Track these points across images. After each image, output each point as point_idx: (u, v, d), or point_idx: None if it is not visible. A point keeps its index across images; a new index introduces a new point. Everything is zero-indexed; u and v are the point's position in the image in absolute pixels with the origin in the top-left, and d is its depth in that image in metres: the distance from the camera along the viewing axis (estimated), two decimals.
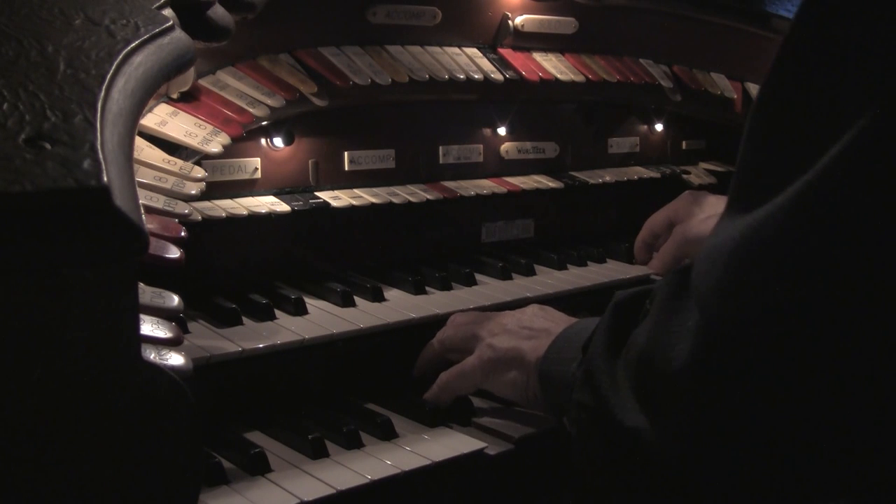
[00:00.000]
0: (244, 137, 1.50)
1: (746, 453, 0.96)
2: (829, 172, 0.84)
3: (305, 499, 1.16)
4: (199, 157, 1.39)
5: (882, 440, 0.92)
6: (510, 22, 1.90)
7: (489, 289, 1.69)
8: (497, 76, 1.82)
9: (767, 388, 0.92)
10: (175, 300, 1.04)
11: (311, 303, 1.52)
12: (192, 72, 1.32)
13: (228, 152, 1.47)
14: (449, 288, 1.67)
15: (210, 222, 1.47)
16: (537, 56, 1.94)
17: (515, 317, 1.45)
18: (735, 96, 2.22)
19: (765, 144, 0.94)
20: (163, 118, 1.38)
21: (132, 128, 0.97)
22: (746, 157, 0.96)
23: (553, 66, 1.94)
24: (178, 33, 1.16)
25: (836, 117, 0.85)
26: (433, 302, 1.59)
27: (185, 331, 1.35)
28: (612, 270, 1.88)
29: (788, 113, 0.91)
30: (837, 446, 0.93)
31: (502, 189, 1.89)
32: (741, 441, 0.96)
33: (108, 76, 0.96)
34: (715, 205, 1.77)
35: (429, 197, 1.76)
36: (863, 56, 0.86)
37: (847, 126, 0.83)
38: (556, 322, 1.40)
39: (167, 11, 1.20)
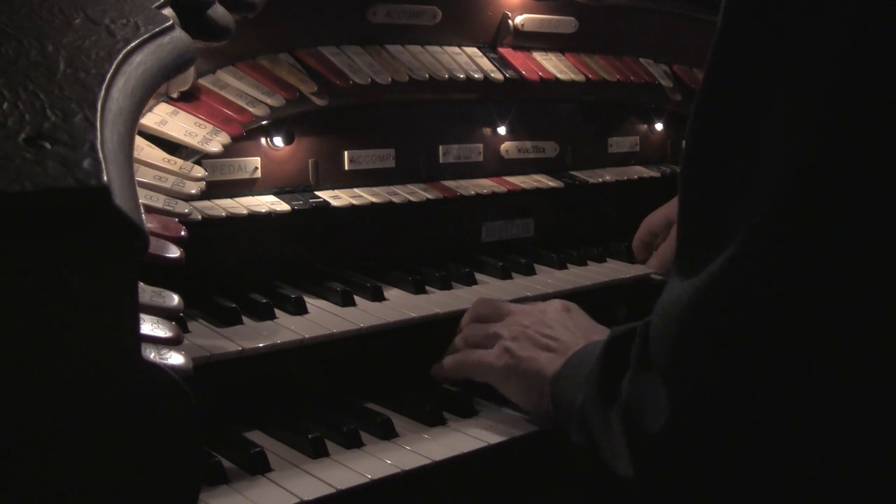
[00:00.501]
0: (244, 137, 1.50)
1: None
2: (750, 242, 0.89)
3: (305, 498, 1.16)
4: (199, 157, 1.39)
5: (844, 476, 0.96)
6: (510, 21, 1.90)
7: (489, 288, 1.69)
8: (497, 76, 1.82)
9: (734, 444, 0.96)
10: (175, 299, 1.04)
11: (311, 302, 1.52)
12: (192, 71, 1.32)
13: (228, 152, 1.47)
14: (449, 287, 1.67)
15: (210, 222, 1.47)
16: (537, 55, 1.94)
17: (537, 317, 1.45)
18: None
19: (697, 205, 0.99)
20: (163, 117, 1.38)
21: (132, 127, 0.97)
22: (683, 214, 1.01)
23: (553, 65, 1.94)
24: (178, 33, 1.16)
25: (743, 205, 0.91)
26: (433, 301, 1.59)
27: (185, 330, 1.35)
28: (612, 270, 1.88)
29: (711, 177, 0.96)
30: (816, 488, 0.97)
31: (502, 188, 1.89)
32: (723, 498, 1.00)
33: (108, 75, 0.96)
34: None
35: (429, 196, 1.76)
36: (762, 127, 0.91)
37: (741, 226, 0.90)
38: (576, 333, 1.40)
39: (167, 11, 1.20)
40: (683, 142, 1.02)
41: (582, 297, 1.69)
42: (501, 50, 1.90)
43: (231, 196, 1.56)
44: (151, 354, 0.93)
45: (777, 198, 0.89)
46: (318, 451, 1.27)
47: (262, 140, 1.61)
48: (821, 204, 0.87)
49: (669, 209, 1.84)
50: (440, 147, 1.87)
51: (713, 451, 0.98)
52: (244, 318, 1.43)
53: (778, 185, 0.89)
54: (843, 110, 0.86)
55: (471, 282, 1.70)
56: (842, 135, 0.86)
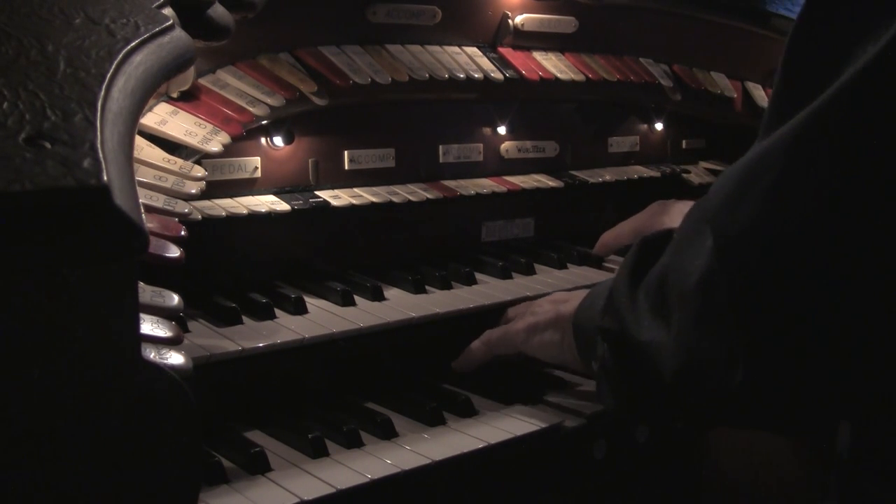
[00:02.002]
0: (244, 136, 1.50)
1: (753, 361, 1.03)
2: (828, 103, 0.95)
3: (305, 498, 1.16)
4: (200, 157, 1.39)
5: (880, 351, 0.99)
6: (510, 21, 1.90)
7: (489, 288, 1.69)
8: (497, 75, 1.82)
9: (770, 295, 1.00)
10: (175, 299, 1.04)
11: (311, 302, 1.52)
12: (192, 71, 1.32)
13: (228, 151, 1.47)
14: (449, 287, 1.67)
15: (210, 221, 1.47)
16: (537, 55, 1.94)
17: (556, 296, 1.57)
18: (735, 95, 2.22)
19: (785, 81, 1.06)
20: (163, 117, 1.38)
21: (132, 127, 0.97)
22: (774, 91, 1.08)
23: (553, 65, 1.94)
24: (179, 32, 1.16)
25: (846, 54, 0.97)
26: (433, 301, 1.59)
27: (185, 330, 1.35)
28: (612, 269, 1.87)
29: (806, 51, 1.03)
30: (837, 359, 1.01)
31: (502, 188, 1.89)
32: (751, 350, 1.03)
33: (109, 75, 0.96)
34: (680, 209, 1.75)
35: (429, 196, 1.76)
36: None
37: (850, 63, 0.95)
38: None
39: (167, 10, 1.19)
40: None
41: None
42: (501, 50, 1.90)
43: (231, 196, 1.56)
44: (151, 354, 0.93)
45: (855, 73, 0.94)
46: (318, 451, 1.27)
47: (262, 140, 1.61)
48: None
49: (638, 222, 1.81)
50: (440, 147, 1.87)
51: (748, 299, 1.01)
52: (244, 318, 1.43)
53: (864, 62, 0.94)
54: None
55: (471, 281, 1.70)
56: None
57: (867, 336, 0.99)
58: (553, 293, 1.59)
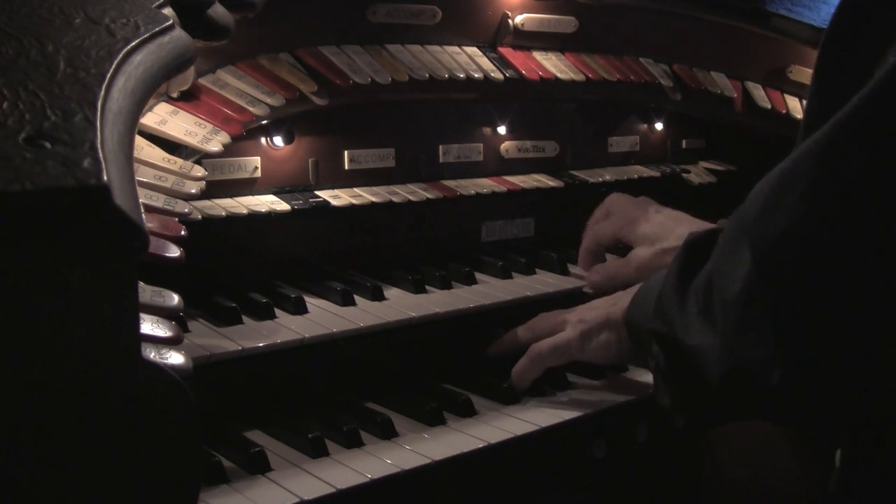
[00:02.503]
0: (244, 136, 1.50)
1: (790, 365, 1.05)
2: (856, 110, 0.97)
3: (305, 498, 1.16)
4: (200, 156, 1.39)
5: None
6: (510, 21, 1.90)
7: (489, 288, 1.69)
8: (497, 75, 1.82)
9: (804, 301, 1.03)
10: (175, 299, 1.04)
11: (311, 302, 1.52)
12: (192, 71, 1.32)
13: (228, 151, 1.47)
14: (449, 287, 1.67)
15: (210, 221, 1.47)
16: (537, 55, 1.94)
17: (600, 299, 1.56)
18: (735, 95, 2.22)
19: (818, 91, 1.09)
20: (163, 117, 1.38)
21: (132, 127, 0.97)
22: (808, 101, 1.11)
23: (553, 65, 1.94)
24: (178, 32, 1.16)
25: (875, 60, 0.99)
26: (433, 301, 1.59)
27: (185, 330, 1.35)
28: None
29: (837, 59, 1.06)
30: (870, 363, 1.03)
31: (502, 188, 1.89)
32: (788, 353, 1.05)
33: (108, 75, 0.95)
34: (660, 222, 1.71)
35: (429, 196, 1.76)
36: None
37: (879, 69, 0.97)
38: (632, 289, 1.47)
39: (167, 10, 1.20)
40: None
41: (583, 297, 1.69)
42: (501, 49, 1.90)
43: (231, 195, 1.56)
44: (151, 354, 0.93)
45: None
46: (318, 451, 1.27)
47: (262, 139, 1.61)
48: None
49: (617, 223, 1.78)
50: (440, 147, 1.87)
51: (784, 305, 1.04)
52: (244, 318, 1.43)
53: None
54: None
55: (471, 281, 1.70)
56: None
57: None
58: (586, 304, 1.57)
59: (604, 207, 1.80)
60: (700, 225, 1.63)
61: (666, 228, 1.69)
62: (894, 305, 1.00)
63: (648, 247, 1.68)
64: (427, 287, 1.64)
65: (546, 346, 1.51)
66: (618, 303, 1.48)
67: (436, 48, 1.80)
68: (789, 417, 1.24)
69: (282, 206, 1.57)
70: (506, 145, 1.96)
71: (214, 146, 1.39)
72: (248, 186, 1.59)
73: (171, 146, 1.36)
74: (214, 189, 1.51)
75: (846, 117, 0.98)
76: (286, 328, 1.41)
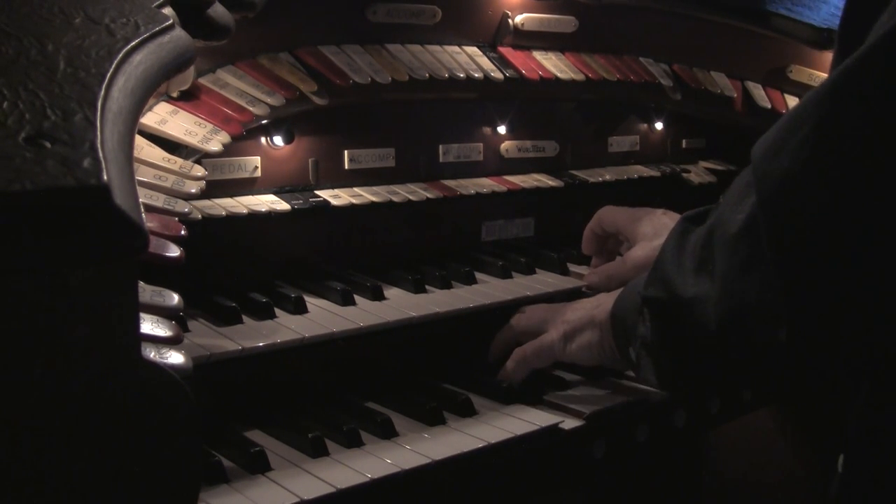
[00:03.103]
0: (244, 136, 1.50)
1: (795, 305, 1.06)
2: (863, 58, 0.98)
3: (305, 497, 1.16)
4: (200, 156, 1.39)
5: None
6: (510, 20, 1.90)
7: (489, 287, 1.69)
8: (497, 75, 1.82)
9: (808, 241, 1.04)
10: (175, 299, 1.04)
11: (311, 301, 1.52)
12: (192, 70, 1.32)
13: (228, 151, 1.47)
14: (449, 287, 1.67)
15: (210, 221, 1.47)
16: (537, 55, 1.94)
17: (584, 300, 1.58)
18: (735, 95, 2.22)
19: (840, 49, 1.10)
20: (163, 117, 1.38)
21: (132, 126, 0.97)
22: (833, 61, 1.13)
23: (553, 64, 1.94)
24: (178, 32, 1.16)
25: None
26: (433, 301, 1.59)
27: (185, 329, 1.35)
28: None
29: (857, 21, 1.07)
30: (878, 309, 1.04)
31: (502, 188, 1.89)
32: (793, 294, 1.06)
33: (108, 75, 0.96)
34: (665, 223, 1.68)
35: (429, 196, 1.76)
36: None
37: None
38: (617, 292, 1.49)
39: (167, 10, 1.20)
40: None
41: (583, 297, 1.69)
42: (501, 49, 1.90)
43: (231, 195, 1.56)
44: (151, 354, 0.93)
45: None
46: (318, 451, 1.27)
47: (262, 139, 1.61)
48: None
49: (623, 215, 1.76)
50: (440, 146, 1.87)
51: (788, 244, 1.05)
52: (244, 318, 1.43)
53: None
54: None
55: (471, 281, 1.70)
56: None
57: None
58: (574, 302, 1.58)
59: (596, 219, 1.80)
60: None
61: (668, 228, 1.69)
62: None
63: (647, 243, 1.68)
64: (427, 287, 1.64)
65: (529, 348, 1.53)
66: (601, 304, 1.49)
67: (436, 48, 1.80)
68: (792, 375, 1.24)
69: (282, 205, 1.57)
70: (506, 145, 1.96)
71: (214, 146, 1.39)
72: (248, 186, 1.59)
73: (172, 146, 1.36)
74: (214, 189, 1.51)
75: (854, 62, 0.99)
76: (286, 328, 1.41)
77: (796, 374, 1.20)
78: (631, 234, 1.72)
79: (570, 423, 1.42)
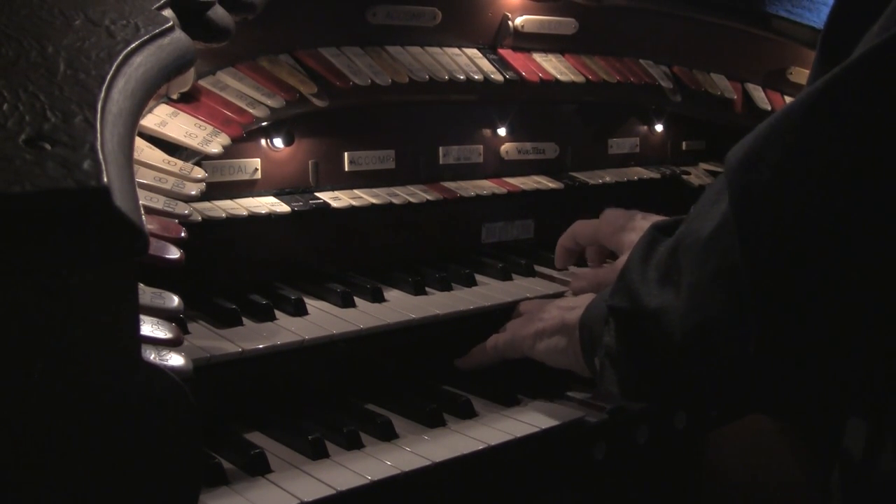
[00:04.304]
0: (244, 138, 1.50)
1: (766, 320, 1.03)
2: (846, 72, 0.96)
3: (305, 499, 1.16)
4: (199, 158, 1.39)
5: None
6: (510, 22, 1.90)
7: (489, 289, 1.69)
8: (497, 77, 1.82)
9: (784, 254, 1.01)
10: (175, 301, 1.04)
11: (311, 303, 1.52)
12: (192, 72, 1.32)
13: (228, 153, 1.47)
14: (449, 288, 1.67)
15: (210, 223, 1.47)
16: (537, 57, 1.94)
17: (568, 298, 1.58)
18: (735, 97, 2.22)
19: (821, 55, 1.09)
20: (163, 119, 1.38)
21: (132, 128, 0.98)
22: (812, 67, 1.12)
23: (553, 66, 1.94)
24: (178, 34, 1.16)
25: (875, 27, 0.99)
26: (433, 302, 1.59)
27: (185, 331, 1.35)
28: (612, 270, 1.87)
29: (842, 28, 1.07)
30: (853, 324, 1.01)
31: (502, 189, 1.89)
32: (763, 308, 1.03)
33: (108, 77, 0.96)
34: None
35: (429, 197, 1.76)
36: None
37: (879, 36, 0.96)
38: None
39: (167, 12, 1.20)
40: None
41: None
42: (501, 51, 1.90)
43: (231, 197, 1.56)
44: (151, 356, 0.93)
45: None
46: (317, 453, 1.27)
47: (262, 141, 1.61)
48: None
49: (602, 227, 1.73)
50: (440, 148, 1.87)
51: (762, 255, 1.02)
52: (244, 320, 1.43)
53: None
54: None
55: (471, 283, 1.70)
56: None
57: (883, 308, 0.99)
58: (562, 299, 1.58)
59: (570, 234, 1.77)
60: None
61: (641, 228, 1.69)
62: (879, 266, 0.98)
63: (621, 239, 1.67)
64: (427, 289, 1.64)
65: (504, 337, 1.54)
66: (574, 308, 1.47)
67: (436, 50, 1.80)
68: (758, 395, 1.18)
69: (282, 207, 1.57)
70: (506, 147, 1.96)
71: (214, 148, 1.39)
72: (248, 188, 1.60)
73: (171, 148, 1.36)
74: (214, 191, 1.51)
75: (841, 73, 0.97)
76: (286, 330, 1.41)
77: (764, 389, 1.13)
78: (617, 244, 1.68)
79: (570, 425, 1.42)
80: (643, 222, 1.66)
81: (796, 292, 1.01)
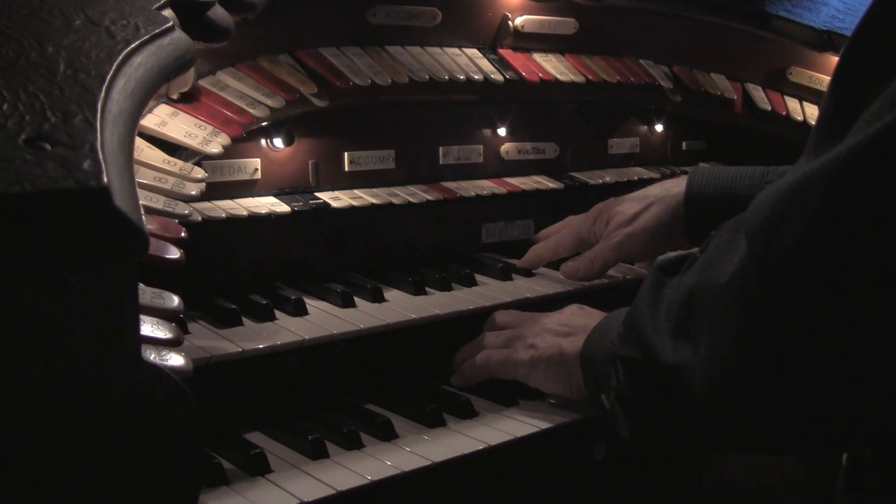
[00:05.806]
0: (244, 138, 1.50)
1: (792, 387, 1.03)
2: (875, 141, 0.94)
3: (305, 499, 1.16)
4: (199, 158, 1.39)
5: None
6: (510, 22, 1.90)
7: (489, 289, 1.69)
8: (497, 77, 1.82)
9: (811, 322, 1.00)
10: (175, 301, 1.04)
11: (311, 303, 1.52)
12: (192, 72, 1.32)
13: (228, 153, 1.47)
14: (449, 288, 1.67)
15: (210, 223, 1.47)
16: (537, 57, 1.94)
17: (555, 317, 1.51)
18: (735, 97, 2.22)
19: (835, 100, 1.05)
20: (163, 119, 1.38)
21: (132, 128, 0.97)
22: (822, 109, 1.08)
23: (553, 66, 1.94)
24: (178, 34, 1.16)
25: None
26: (433, 302, 1.59)
27: (185, 331, 1.35)
28: (612, 272, 1.87)
29: (858, 75, 1.02)
30: (876, 390, 1.01)
31: (502, 189, 1.89)
32: (790, 375, 1.03)
33: (108, 77, 0.96)
34: (625, 211, 1.73)
35: (429, 197, 1.76)
36: None
37: None
38: (593, 318, 1.45)
39: (167, 12, 1.20)
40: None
41: (583, 299, 1.69)
42: (501, 51, 1.90)
43: (231, 197, 1.56)
44: (151, 356, 0.93)
45: None
46: (317, 453, 1.27)
47: (262, 141, 1.61)
48: None
49: (578, 230, 1.78)
50: (440, 148, 1.87)
51: (789, 324, 1.01)
52: (244, 320, 1.43)
53: None
54: None
55: (471, 283, 1.70)
56: None
57: None
58: (548, 317, 1.54)
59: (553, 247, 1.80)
60: (666, 195, 1.70)
61: (641, 195, 1.75)
62: None
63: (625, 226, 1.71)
64: (427, 289, 1.64)
65: (496, 358, 1.49)
66: (573, 334, 1.44)
67: (436, 50, 1.80)
68: (783, 449, 1.20)
69: (282, 207, 1.57)
70: (506, 147, 1.96)
71: (214, 148, 1.39)
72: (248, 188, 1.60)
73: (171, 148, 1.36)
74: (214, 191, 1.51)
75: (865, 142, 0.95)
76: (286, 330, 1.41)
77: (784, 442, 1.14)
78: (610, 213, 1.74)
79: (570, 426, 1.42)
80: (622, 205, 1.73)
81: (827, 360, 1.01)
